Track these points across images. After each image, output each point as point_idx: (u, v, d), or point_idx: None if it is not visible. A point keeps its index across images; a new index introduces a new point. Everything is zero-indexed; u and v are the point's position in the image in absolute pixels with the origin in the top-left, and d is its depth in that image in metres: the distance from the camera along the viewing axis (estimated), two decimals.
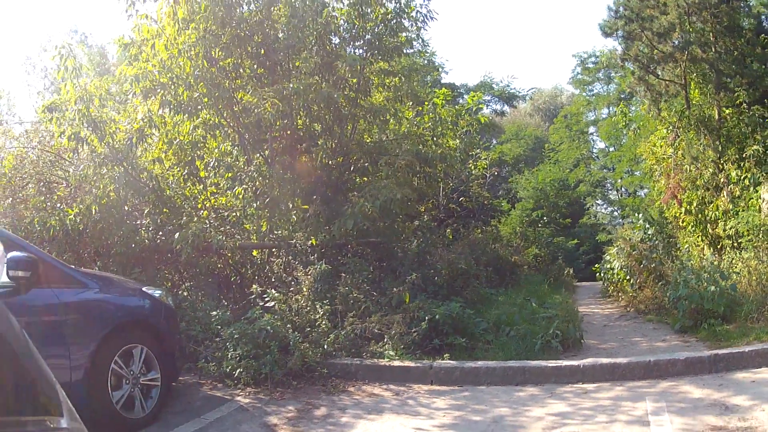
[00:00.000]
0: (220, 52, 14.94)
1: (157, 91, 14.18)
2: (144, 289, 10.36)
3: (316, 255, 13.68)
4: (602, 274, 23.15)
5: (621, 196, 51.15)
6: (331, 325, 11.79)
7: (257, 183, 14.90)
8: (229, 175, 15.38)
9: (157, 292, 10.38)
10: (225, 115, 15.19)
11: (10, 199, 14.86)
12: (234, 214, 15.25)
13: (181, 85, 14.38)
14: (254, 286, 12.70)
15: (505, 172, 40.99)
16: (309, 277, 12.33)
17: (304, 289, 12.17)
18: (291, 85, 13.93)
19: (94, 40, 73.13)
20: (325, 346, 11.25)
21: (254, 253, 14.97)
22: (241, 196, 15.30)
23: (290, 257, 13.74)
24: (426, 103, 18.35)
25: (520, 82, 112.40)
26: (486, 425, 8.25)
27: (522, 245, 26.18)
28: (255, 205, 15.20)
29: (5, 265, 7.78)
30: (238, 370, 10.56)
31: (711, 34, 20.26)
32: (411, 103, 17.85)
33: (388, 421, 8.72)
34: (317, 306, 11.90)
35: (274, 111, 13.83)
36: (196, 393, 10.51)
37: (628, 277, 19.18)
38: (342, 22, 15.88)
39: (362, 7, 15.61)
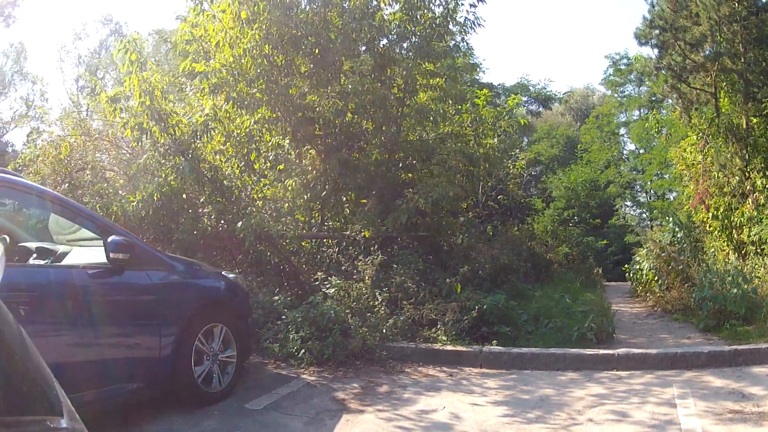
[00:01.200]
0: (274, 51, 15.81)
1: (224, 88, 15.07)
2: (222, 272, 11.30)
3: (375, 245, 14.70)
4: (631, 275, 23.83)
5: (650, 198, 51.30)
6: (388, 311, 12.79)
7: (308, 176, 15.70)
8: (281, 167, 16.17)
9: (231, 275, 11.29)
10: (281, 111, 15.97)
11: (67, 183, 15.80)
12: (286, 204, 15.89)
13: (242, 81, 15.21)
14: (319, 273, 13.64)
15: (538, 170, 41.27)
16: (371, 266, 13.36)
17: (366, 278, 13.18)
18: (350, 86, 14.93)
19: (129, 29, 74.80)
20: (384, 331, 12.25)
21: (303, 243, 15.83)
22: (290, 188, 15.97)
23: (349, 247, 14.79)
24: (465, 103, 18.93)
25: (555, 84, 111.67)
26: (534, 402, 9.30)
27: (553, 243, 26.68)
28: (306, 197, 15.99)
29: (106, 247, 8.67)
30: (302, 351, 11.48)
31: (740, 45, 20.96)
32: (451, 102, 18.40)
33: (447, 397, 9.71)
34: (376, 293, 12.94)
35: (333, 109, 14.82)
36: (262, 371, 11.45)
37: (656, 278, 19.85)
38: (393, 25, 16.59)
39: (412, 12, 16.40)
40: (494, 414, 8.92)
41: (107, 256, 8.60)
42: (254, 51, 15.40)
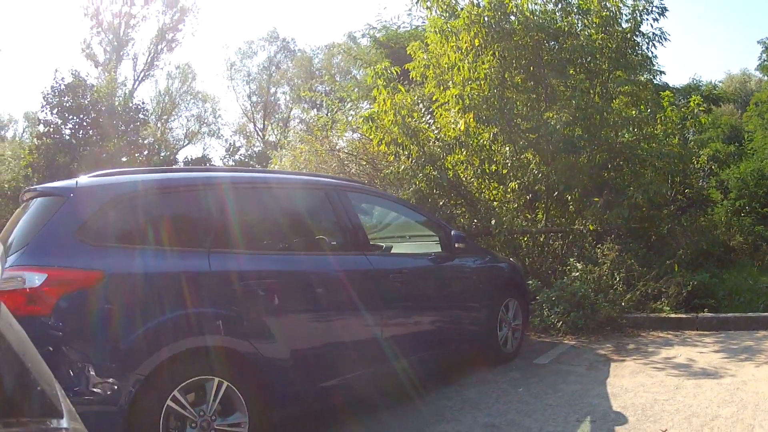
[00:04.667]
0: (499, 71, 18.20)
1: (474, 108, 17.34)
2: (510, 258, 14.37)
3: (611, 237, 17.52)
4: None
5: None
6: (624, 288, 15.69)
7: (530, 178, 17.93)
8: (505, 171, 18.68)
9: (513, 260, 14.41)
10: (510, 124, 17.84)
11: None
12: (515, 205, 18.65)
13: (480, 101, 17.41)
14: (571, 259, 16.39)
15: (716, 164, 42.30)
16: (613, 252, 16.30)
17: (608, 262, 16.07)
18: (573, 102, 17.48)
19: (297, 45, 79.82)
20: (623, 304, 15.12)
21: (522, 237, 18.59)
22: (511, 190, 18.74)
23: (577, 240, 17.53)
24: (645, 104, 20.25)
25: (721, 84, 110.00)
26: (741, 350, 12.81)
27: (730, 232, 27.78)
28: (528, 197, 18.75)
29: (452, 239, 11.07)
30: (560, 323, 14.50)
31: None
32: (640, 105, 20.09)
33: (679, 350, 13.09)
34: (615, 274, 15.86)
35: (566, 122, 17.26)
36: (529, 340, 14.29)
37: None
38: (597, 43, 18.70)
39: (606, 28, 18.76)
40: (716, 357, 12.27)
41: (450, 246, 11.05)
42: (491, 74, 17.81)
